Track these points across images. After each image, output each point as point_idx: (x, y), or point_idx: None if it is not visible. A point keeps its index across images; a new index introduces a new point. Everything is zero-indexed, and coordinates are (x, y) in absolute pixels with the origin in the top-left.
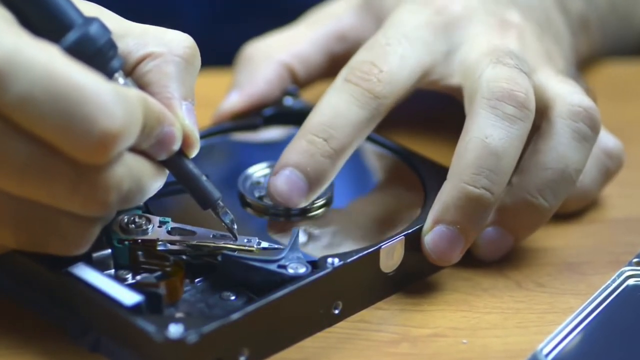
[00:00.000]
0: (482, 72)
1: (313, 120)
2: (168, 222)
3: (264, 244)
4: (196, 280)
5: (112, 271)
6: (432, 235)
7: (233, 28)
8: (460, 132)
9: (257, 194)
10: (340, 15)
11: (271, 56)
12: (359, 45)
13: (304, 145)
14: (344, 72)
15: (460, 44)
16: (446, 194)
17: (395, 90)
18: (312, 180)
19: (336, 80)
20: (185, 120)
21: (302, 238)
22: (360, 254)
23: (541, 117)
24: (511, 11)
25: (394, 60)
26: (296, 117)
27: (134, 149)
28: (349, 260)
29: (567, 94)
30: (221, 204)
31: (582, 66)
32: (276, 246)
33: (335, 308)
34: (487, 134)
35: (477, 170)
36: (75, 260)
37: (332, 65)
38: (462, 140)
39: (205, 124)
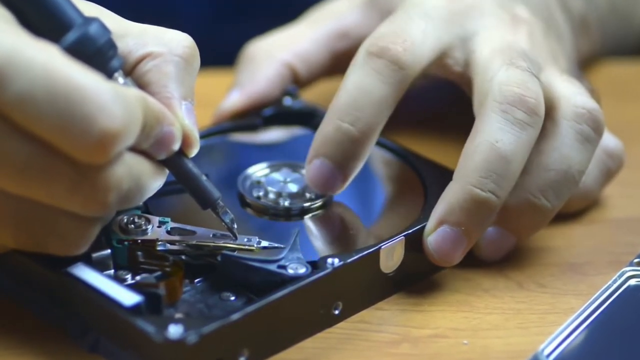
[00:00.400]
0: (494, 74)
1: (338, 101)
2: (167, 222)
3: (264, 243)
4: (196, 280)
5: (112, 271)
6: (435, 236)
7: (233, 27)
8: (460, 133)
9: (256, 194)
10: (343, 13)
11: (273, 55)
12: (362, 42)
13: (331, 132)
14: (366, 44)
15: (474, 32)
16: (452, 195)
17: (419, 63)
18: (344, 167)
19: (358, 53)
20: (185, 120)
21: (302, 238)
22: (360, 254)
23: (545, 117)
24: (520, 7)
25: (417, 32)
26: (295, 117)
27: (134, 149)
28: (349, 260)
29: (571, 95)
30: (221, 203)
31: (582, 66)
32: (276, 245)
33: (336, 308)
34: (497, 138)
35: (485, 173)
36: (74, 260)
37: (334, 63)
38: (470, 142)
39: (205, 123)
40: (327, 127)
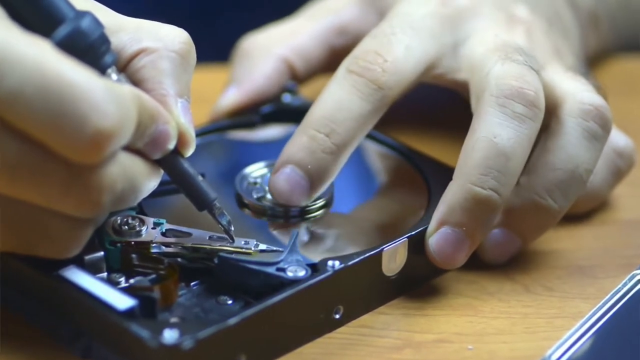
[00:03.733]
0: (490, 69)
1: (314, 114)
2: (163, 223)
3: (262, 246)
4: (192, 283)
5: (105, 274)
6: (436, 238)
7: (230, 21)
8: (465, 131)
9: (254, 195)
10: (341, 8)
11: (270, 50)
12: (360, 38)
13: (305, 141)
14: (346, 62)
15: (467, 37)
16: (452, 195)
17: (401, 81)
18: (313, 178)
19: (338, 70)
20: (181, 118)
21: (301, 240)
22: (362, 257)
23: (550, 115)
24: (519, 6)
25: (399, 50)
26: (295, 115)
27: (128, 148)
28: (350, 263)
29: (577, 92)
30: (218, 204)
31: (591, 62)
32: (275, 248)
33: (336, 313)
34: (495, 134)
35: (485, 170)
36: (66, 262)
37: (332, 59)
38: (469, 139)
39: (201, 120)
40: (301, 137)
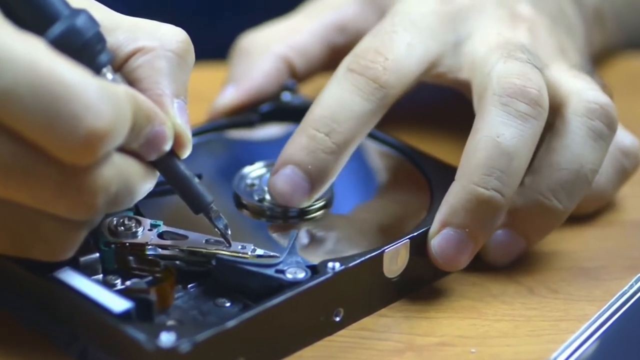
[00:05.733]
0: (492, 67)
1: (314, 113)
2: (159, 225)
3: (259, 252)
4: (189, 285)
5: (101, 276)
6: (439, 239)
7: (230, 20)
8: (468, 130)
9: (252, 195)
10: (341, 5)
11: (269, 48)
12: (360, 36)
13: (305, 141)
14: (347, 61)
15: (468, 35)
16: (454, 196)
17: (402, 80)
18: (314, 179)
19: (339, 69)
20: (177, 119)
21: (301, 241)
22: (363, 258)
23: (555, 114)
24: (522, 3)
25: (400, 48)
26: (294, 113)
27: (123, 149)
28: (350, 264)
29: (582, 90)
30: (214, 207)
31: (597, 59)
32: (272, 254)
33: (336, 315)
34: (498, 133)
35: (488, 170)
36: (61, 264)
37: (332, 57)
38: (471, 139)
39: (199, 120)
40: (301, 136)
